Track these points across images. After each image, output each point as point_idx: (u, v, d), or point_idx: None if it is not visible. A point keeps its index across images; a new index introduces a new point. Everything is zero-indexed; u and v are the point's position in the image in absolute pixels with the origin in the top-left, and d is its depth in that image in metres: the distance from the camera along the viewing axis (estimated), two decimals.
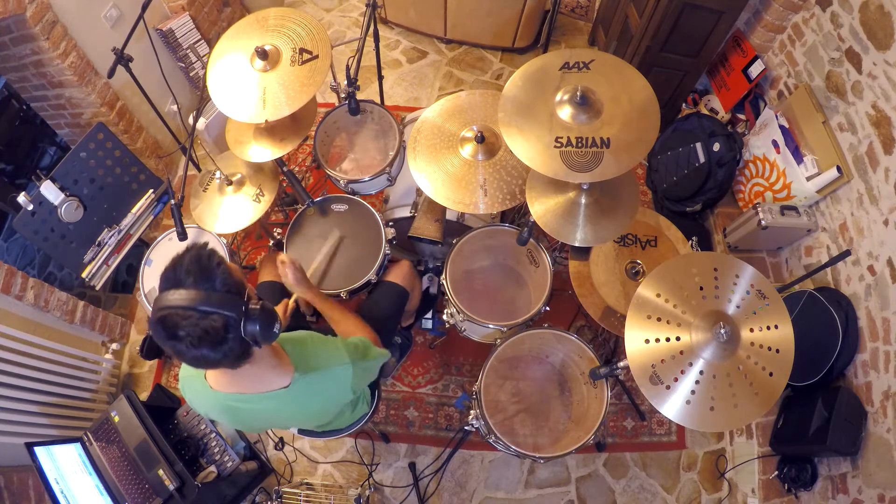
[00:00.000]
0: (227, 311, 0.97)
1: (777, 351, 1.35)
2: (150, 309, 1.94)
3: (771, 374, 1.33)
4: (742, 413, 1.31)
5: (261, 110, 1.72)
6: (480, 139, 1.76)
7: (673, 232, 1.97)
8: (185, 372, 1.27)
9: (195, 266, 0.98)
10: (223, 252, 2.04)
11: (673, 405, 1.31)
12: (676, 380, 1.32)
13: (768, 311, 1.38)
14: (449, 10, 3.25)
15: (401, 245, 2.35)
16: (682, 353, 1.34)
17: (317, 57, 1.75)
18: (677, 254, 1.92)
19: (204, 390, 1.21)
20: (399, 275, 1.90)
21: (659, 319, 1.38)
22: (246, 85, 1.76)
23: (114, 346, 2.47)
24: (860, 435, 1.91)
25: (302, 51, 1.76)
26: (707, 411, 1.30)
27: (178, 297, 0.95)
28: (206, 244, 1.03)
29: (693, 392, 1.31)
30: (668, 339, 1.36)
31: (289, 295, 1.60)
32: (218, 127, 2.61)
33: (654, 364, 1.34)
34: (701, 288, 1.41)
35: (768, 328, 1.37)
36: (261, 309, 1.01)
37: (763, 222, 2.34)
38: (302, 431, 1.74)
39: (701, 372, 1.32)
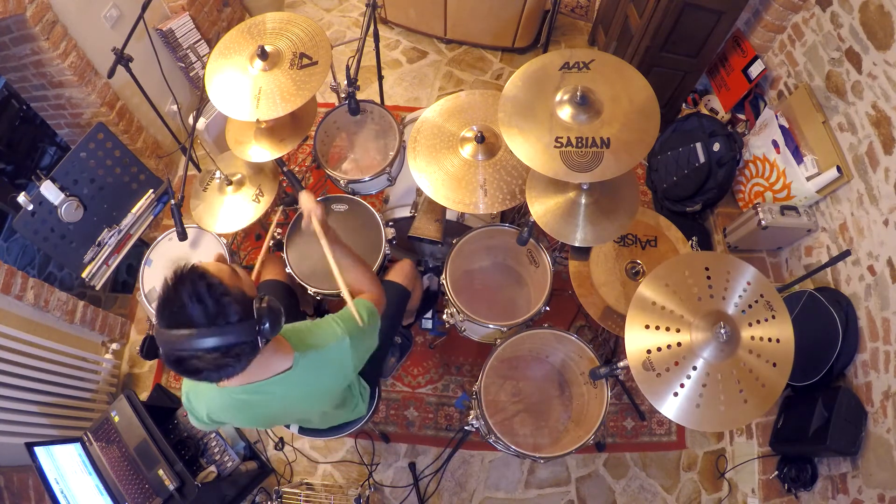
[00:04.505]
0: (245, 338, 1.00)
1: (777, 341, 1.35)
2: (151, 311, 1.95)
3: (774, 365, 1.33)
4: (742, 413, 1.31)
5: (254, 109, 1.72)
6: (480, 139, 1.76)
7: (673, 232, 1.97)
8: (188, 385, 1.30)
9: (200, 305, 0.95)
10: (223, 251, 2.04)
11: (673, 405, 1.31)
12: (682, 385, 1.32)
13: (768, 310, 1.38)
14: (449, 10, 3.25)
15: (401, 245, 2.35)
16: (682, 354, 1.34)
17: (316, 63, 1.75)
18: (677, 254, 1.92)
19: (211, 391, 1.22)
20: (400, 274, 1.90)
21: (658, 322, 1.38)
22: (242, 83, 1.76)
23: (114, 346, 2.47)
24: (860, 435, 1.91)
25: (302, 55, 1.76)
26: (707, 411, 1.30)
27: (193, 340, 0.94)
28: (193, 269, 0.98)
29: (694, 392, 1.31)
30: (668, 343, 1.36)
31: (293, 295, 1.59)
32: (218, 127, 2.61)
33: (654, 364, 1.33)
34: (701, 288, 1.41)
35: (766, 320, 1.37)
36: (268, 309, 1.04)
37: (763, 222, 2.34)
38: (302, 431, 1.74)
39: (704, 373, 1.32)
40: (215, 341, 0.96)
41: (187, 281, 0.96)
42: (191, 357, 0.96)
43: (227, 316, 0.98)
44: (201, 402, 1.29)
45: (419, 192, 2.10)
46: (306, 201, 1.52)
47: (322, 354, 1.26)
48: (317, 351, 1.25)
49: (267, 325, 1.03)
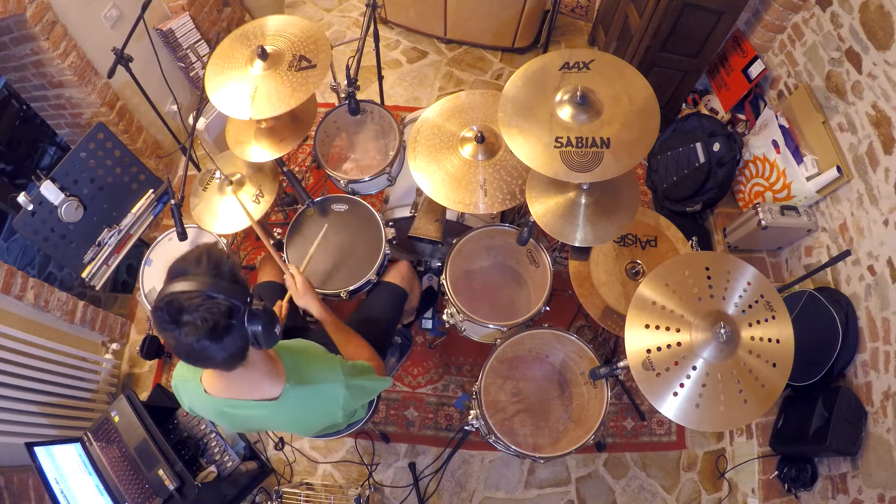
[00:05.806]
0: (232, 298, 0.97)
1: (777, 341, 1.35)
2: (150, 308, 1.95)
3: (774, 365, 1.33)
4: (742, 413, 1.30)
5: (247, 108, 1.71)
6: (480, 139, 1.76)
7: (673, 232, 1.97)
8: (180, 373, 1.27)
9: (204, 256, 1.00)
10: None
11: (673, 405, 1.31)
12: (681, 385, 1.32)
13: (768, 310, 1.38)
14: (449, 10, 3.25)
15: (401, 245, 2.35)
16: (682, 354, 1.34)
17: (314, 66, 1.74)
18: (677, 254, 1.92)
19: (199, 393, 1.21)
20: (398, 275, 1.90)
21: (658, 322, 1.38)
22: (241, 82, 1.75)
23: (114, 346, 2.47)
24: (860, 435, 1.92)
25: (301, 58, 1.76)
26: (707, 411, 1.30)
27: (185, 283, 0.95)
28: (215, 243, 1.05)
29: (694, 392, 1.31)
30: (668, 343, 1.36)
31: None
32: (218, 127, 2.61)
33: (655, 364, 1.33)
34: (701, 288, 1.41)
35: (766, 320, 1.36)
36: (263, 309, 1.02)
37: (763, 222, 2.34)
38: None
39: (704, 372, 1.32)
40: (201, 282, 0.95)
41: (203, 245, 1.03)
42: (177, 297, 0.93)
43: (221, 270, 1.00)
44: (188, 395, 1.28)
45: (419, 192, 2.10)
46: (302, 298, 1.52)
47: (314, 391, 1.23)
48: (309, 386, 1.22)
49: (259, 326, 1.00)
